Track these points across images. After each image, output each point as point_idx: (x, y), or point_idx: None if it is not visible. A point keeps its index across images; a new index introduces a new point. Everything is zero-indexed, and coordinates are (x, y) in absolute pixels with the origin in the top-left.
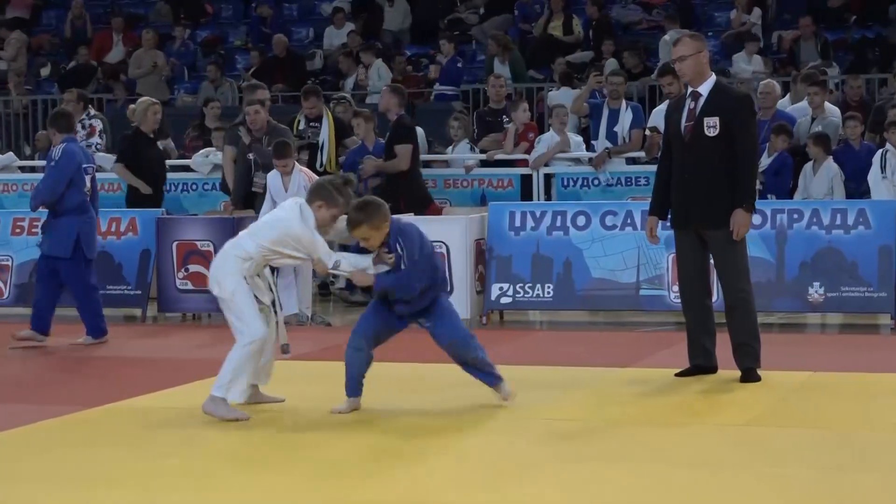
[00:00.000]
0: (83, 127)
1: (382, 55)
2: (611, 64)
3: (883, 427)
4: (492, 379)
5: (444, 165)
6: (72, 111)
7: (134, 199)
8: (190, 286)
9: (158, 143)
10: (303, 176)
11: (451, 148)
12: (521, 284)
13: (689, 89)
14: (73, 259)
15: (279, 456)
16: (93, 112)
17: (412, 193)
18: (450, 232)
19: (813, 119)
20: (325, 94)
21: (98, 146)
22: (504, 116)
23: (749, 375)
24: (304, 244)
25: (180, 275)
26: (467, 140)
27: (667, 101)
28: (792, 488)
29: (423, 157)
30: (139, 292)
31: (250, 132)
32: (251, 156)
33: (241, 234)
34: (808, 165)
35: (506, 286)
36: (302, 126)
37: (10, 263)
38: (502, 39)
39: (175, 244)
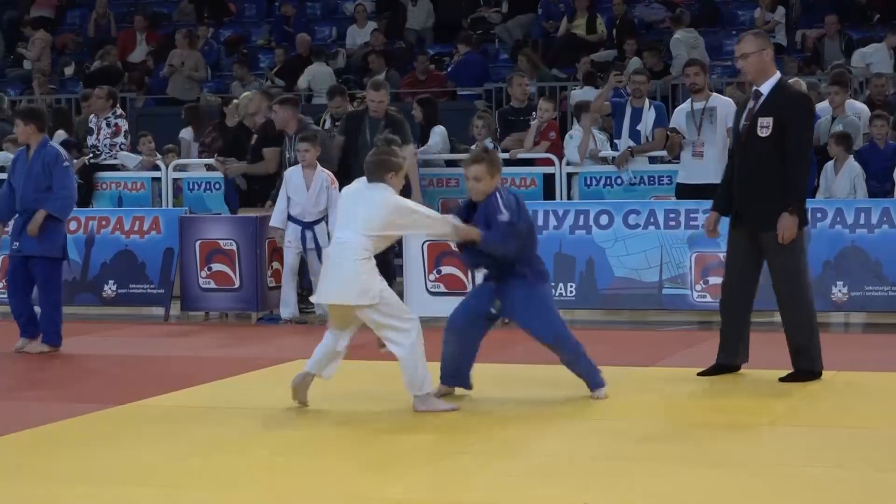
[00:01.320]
0: (108, 125)
1: (404, 54)
2: (633, 63)
3: None
4: (594, 379)
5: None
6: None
7: (235, 196)
8: (213, 285)
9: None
10: (325, 176)
11: (474, 147)
12: None
13: (753, 88)
14: (61, 261)
15: (303, 455)
16: (119, 111)
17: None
18: None
19: (834, 118)
20: (349, 94)
21: (122, 146)
22: (531, 114)
23: (802, 376)
24: (407, 215)
25: (203, 273)
26: (490, 139)
27: (689, 100)
28: (811, 488)
29: (446, 156)
30: (162, 291)
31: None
32: (288, 154)
33: (338, 235)
34: (829, 164)
35: None
36: (328, 125)
37: None
38: (533, 58)
39: (198, 243)
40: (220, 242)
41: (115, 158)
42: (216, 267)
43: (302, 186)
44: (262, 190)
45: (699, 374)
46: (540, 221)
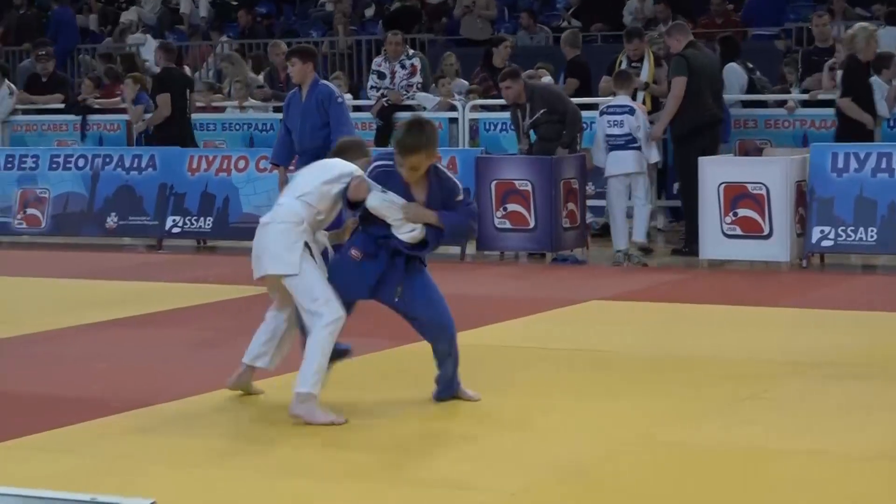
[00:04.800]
0: (403, 67)
1: None
2: None
3: None
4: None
5: (762, 106)
6: None
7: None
8: (508, 225)
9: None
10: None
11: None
12: (843, 227)
13: None
14: None
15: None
16: (412, 52)
17: (184, 138)
18: (770, 173)
19: None
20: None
21: (418, 85)
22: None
23: None
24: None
25: (499, 214)
26: (793, 82)
27: None
28: None
29: (745, 97)
30: None
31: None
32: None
33: (279, 200)
34: None
35: (827, 229)
36: (623, 66)
37: (47, 196)
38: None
39: (494, 183)
40: (516, 183)
41: (412, 99)
42: (511, 207)
43: None
44: (160, 135)
45: None
46: (840, 164)
